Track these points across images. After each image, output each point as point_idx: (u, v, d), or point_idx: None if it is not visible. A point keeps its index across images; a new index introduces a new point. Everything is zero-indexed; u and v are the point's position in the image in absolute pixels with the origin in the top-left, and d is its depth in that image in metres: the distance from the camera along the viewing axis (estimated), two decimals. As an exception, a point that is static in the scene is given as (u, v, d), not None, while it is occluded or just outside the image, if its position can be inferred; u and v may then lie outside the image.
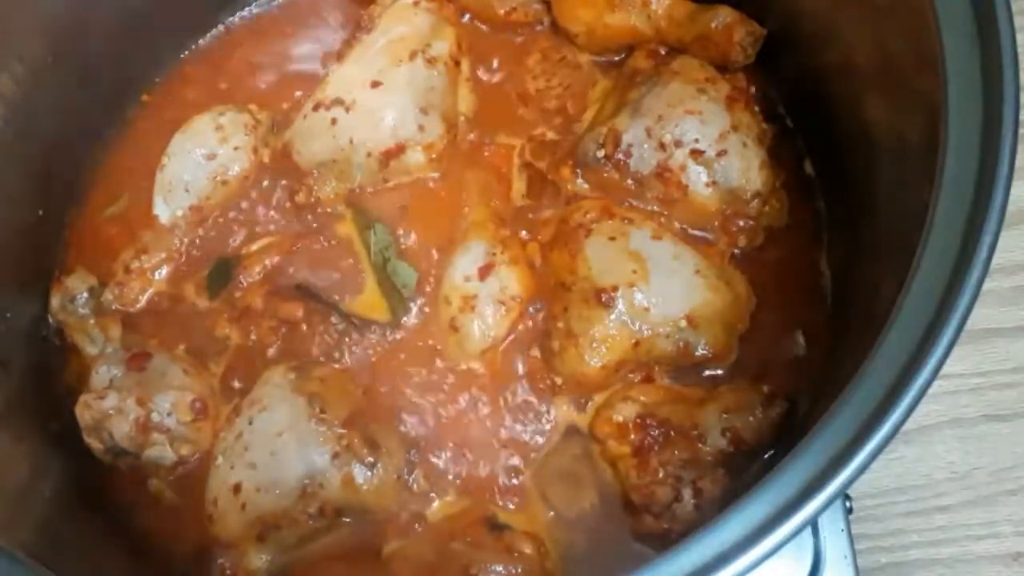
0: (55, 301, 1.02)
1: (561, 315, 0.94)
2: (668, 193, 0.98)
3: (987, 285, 0.65)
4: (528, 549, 0.89)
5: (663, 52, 1.06)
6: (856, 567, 0.89)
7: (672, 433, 0.90)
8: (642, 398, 0.93)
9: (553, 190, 1.04)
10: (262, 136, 1.06)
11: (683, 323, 0.92)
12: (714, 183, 0.97)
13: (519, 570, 0.87)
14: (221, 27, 1.17)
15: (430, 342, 0.99)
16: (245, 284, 1.02)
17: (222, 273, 1.03)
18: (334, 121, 1.02)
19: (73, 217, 1.09)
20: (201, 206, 1.04)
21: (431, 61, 1.04)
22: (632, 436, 0.90)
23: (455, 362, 0.97)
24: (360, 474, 0.89)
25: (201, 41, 1.17)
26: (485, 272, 0.97)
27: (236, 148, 1.04)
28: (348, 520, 0.91)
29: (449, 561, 0.88)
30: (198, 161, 1.04)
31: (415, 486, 0.93)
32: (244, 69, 1.15)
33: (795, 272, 1.00)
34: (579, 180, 1.02)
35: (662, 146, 0.97)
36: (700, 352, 0.93)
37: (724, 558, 0.60)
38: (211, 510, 0.90)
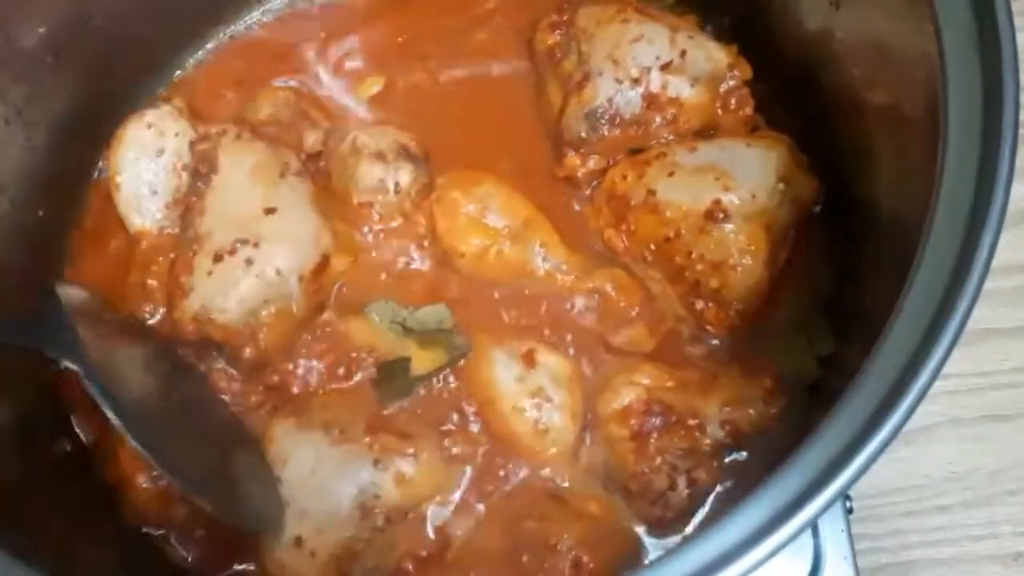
0: (56, 302, 1.02)
1: (691, 262, 0.94)
2: (667, 114, 1.00)
3: (987, 285, 0.65)
4: (595, 509, 0.89)
5: (563, 17, 1.07)
6: (856, 567, 0.89)
7: (673, 420, 0.90)
8: (645, 381, 0.92)
9: (571, 187, 1.04)
10: (189, 117, 1.05)
11: (780, 186, 0.95)
12: (695, 79, 1.00)
13: (599, 531, 0.87)
14: (225, 36, 1.17)
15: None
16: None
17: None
18: (249, 261, 0.93)
19: (74, 218, 1.08)
20: (175, 199, 1.03)
21: (299, 174, 1.01)
22: (632, 421, 0.90)
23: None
24: (407, 466, 0.89)
25: (200, 52, 1.17)
26: (528, 359, 0.95)
27: (177, 135, 1.03)
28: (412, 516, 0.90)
29: (526, 541, 0.87)
30: (150, 164, 1.03)
31: (456, 450, 0.93)
32: (244, 73, 1.14)
33: (795, 271, 1.00)
34: (590, 160, 1.02)
35: (636, 81, 0.99)
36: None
37: (725, 559, 0.60)
38: (280, 574, 0.87)
